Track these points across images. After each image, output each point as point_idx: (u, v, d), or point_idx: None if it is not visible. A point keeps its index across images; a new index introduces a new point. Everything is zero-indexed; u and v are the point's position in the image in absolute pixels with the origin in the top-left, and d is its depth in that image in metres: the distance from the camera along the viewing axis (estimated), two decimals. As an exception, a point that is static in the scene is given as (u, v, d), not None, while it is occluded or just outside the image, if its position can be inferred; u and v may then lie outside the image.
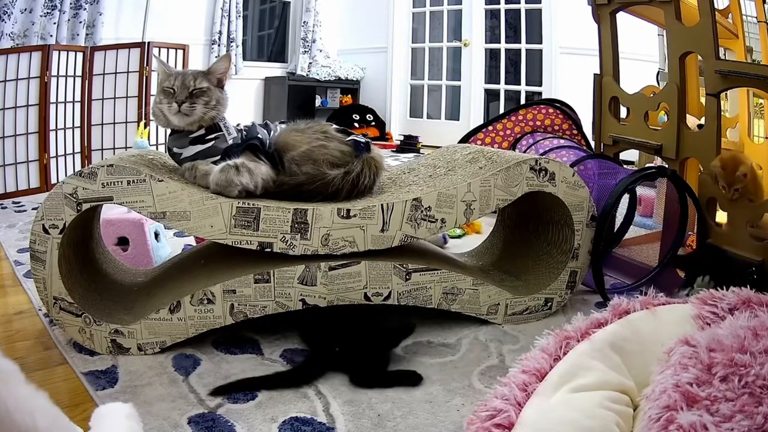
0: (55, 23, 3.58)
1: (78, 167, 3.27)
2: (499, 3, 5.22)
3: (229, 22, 5.06)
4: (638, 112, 1.93)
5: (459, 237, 2.32)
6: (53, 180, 3.14)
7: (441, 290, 1.40)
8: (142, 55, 3.43)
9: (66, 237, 1.23)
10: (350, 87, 6.01)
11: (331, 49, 6.06)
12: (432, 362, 1.27)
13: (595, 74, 2.10)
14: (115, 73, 3.40)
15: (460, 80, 5.54)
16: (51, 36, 3.57)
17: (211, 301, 1.27)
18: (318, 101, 5.95)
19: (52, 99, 3.11)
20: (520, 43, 5.12)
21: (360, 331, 1.25)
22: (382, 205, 1.33)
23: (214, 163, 1.31)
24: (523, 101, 5.05)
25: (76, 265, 1.32)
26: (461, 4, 5.44)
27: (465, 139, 2.82)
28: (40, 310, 1.48)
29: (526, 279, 1.59)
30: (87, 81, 3.32)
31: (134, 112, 3.43)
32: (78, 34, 3.75)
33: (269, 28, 6.21)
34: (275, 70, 5.83)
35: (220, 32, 5.03)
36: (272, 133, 1.44)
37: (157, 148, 3.45)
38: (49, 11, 3.55)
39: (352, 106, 5.88)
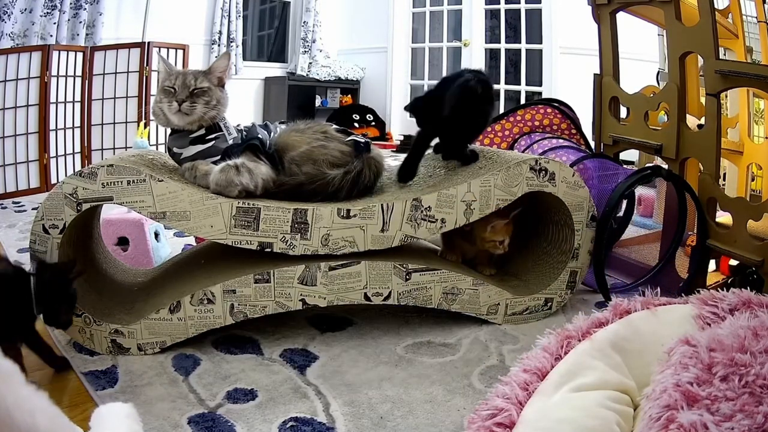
0: (55, 23, 3.57)
1: (78, 167, 3.27)
2: (499, 3, 5.21)
3: (229, 22, 5.06)
4: (638, 112, 1.93)
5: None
6: (53, 180, 3.14)
7: (441, 290, 1.40)
8: (142, 55, 3.43)
9: (66, 237, 1.23)
10: (350, 87, 6.01)
11: (331, 49, 6.06)
12: (432, 362, 1.27)
13: (595, 74, 2.10)
14: (115, 73, 3.40)
15: (460, 80, 5.53)
16: (51, 36, 3.56)
17: (211, 301, 1.27)
18: (318, 101, 5.95)
19: (52, 99, 3.11)
20: (520, 43, 5.12)
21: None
22: (382, 205, 1.33)
23: (214, 163, 1.31)
24: (523, 101, 5.05)
25: (76, 265, 1.32)
26: (461, 4, 5.44)
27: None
28: (40, 310, 1.48)
29: (526, 279, 1.59)
30: (87, 81, 3.32)
31: (134, 112, 3.43)
32: (78, 34, 3.74)
33: (269, 28, 6.21)
34: (275, 70, 5.82)
35: (220, 32, 5.02)
36: (272, 133, 1.44)
37: (157, 148, 3.45)
38: (49, 11, 3.55)
39: (352, 106, 5.88)
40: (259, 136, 1.39)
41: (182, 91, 1.31)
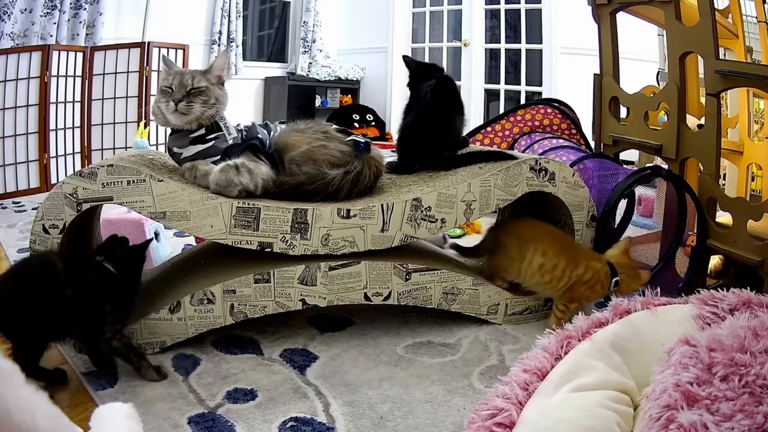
0: (55, 23, 3.57)
1: (78, 167, 3.27)
2: (499, 3, 5.21)
3: (229, 22, 5.06)
4: (638, 112, 1.93)
5: (459, 237, 2.32)
6: (53, 180, 3.14)
7: (441, 290, 1.40)
8: (142, 55, 3.43)
9: (66, 237, 1.23)
10: (350, 87, 6.00)
11: (331, 49, 6.06)
12: (432, 362, 1.27)
13: (595, 74, 2.10)
14: (115, 73, 3.40)
15: (460, 80, 5.53)
16: (51, 36, 3.56)
17: (211, 301, 1.27)
18: (318, 101, 5.94)
19: (52, 99, 3.11)
20: (520, 43, 5.11)
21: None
22: (382, 205, 1.33)
23: (214, 163, 1.31)
24: (523, 101, 5.05)
25: (76, 265, 1.32)
26: (461, 4, 5.44)
27: (463, 141, 2.81)
28: (40, 310, 1.47)
29: (526, 279, 1.59)
30: (87, 81, 3.32)
31: (134, 112, 3.43)
32: (78, 34, 3.74)
33: (269, 28, 6.21)
34: (275, 70, 5.82)
35: (220, 32, 5.02)
36: (272, 133, 1.44)
37: (157, 148, 3.45)
38: (49, 11, 3.55)
39: (352, 106, 5.87)
40: (259, 135, 1.39)
41: (179, 90, 1.31)
